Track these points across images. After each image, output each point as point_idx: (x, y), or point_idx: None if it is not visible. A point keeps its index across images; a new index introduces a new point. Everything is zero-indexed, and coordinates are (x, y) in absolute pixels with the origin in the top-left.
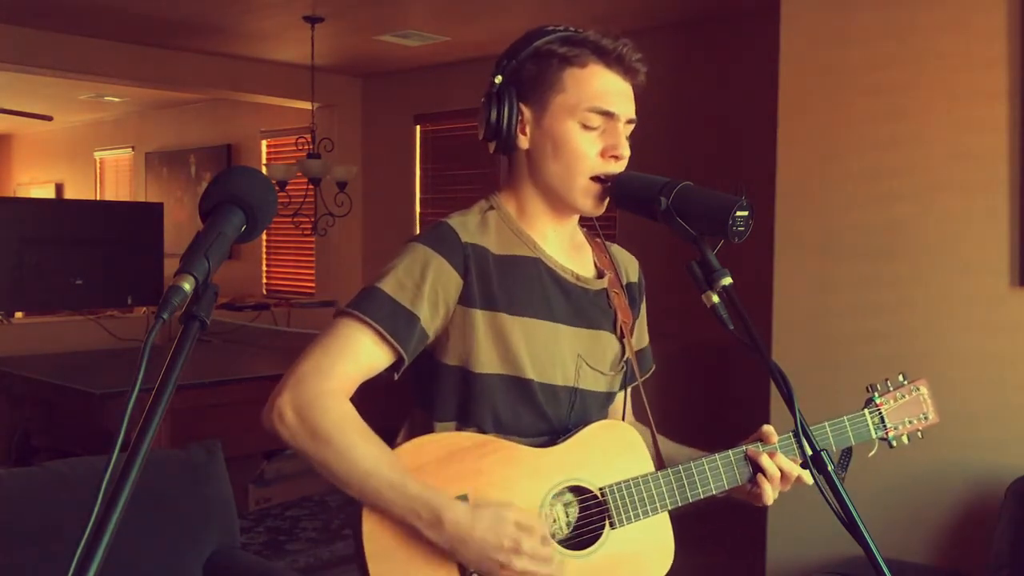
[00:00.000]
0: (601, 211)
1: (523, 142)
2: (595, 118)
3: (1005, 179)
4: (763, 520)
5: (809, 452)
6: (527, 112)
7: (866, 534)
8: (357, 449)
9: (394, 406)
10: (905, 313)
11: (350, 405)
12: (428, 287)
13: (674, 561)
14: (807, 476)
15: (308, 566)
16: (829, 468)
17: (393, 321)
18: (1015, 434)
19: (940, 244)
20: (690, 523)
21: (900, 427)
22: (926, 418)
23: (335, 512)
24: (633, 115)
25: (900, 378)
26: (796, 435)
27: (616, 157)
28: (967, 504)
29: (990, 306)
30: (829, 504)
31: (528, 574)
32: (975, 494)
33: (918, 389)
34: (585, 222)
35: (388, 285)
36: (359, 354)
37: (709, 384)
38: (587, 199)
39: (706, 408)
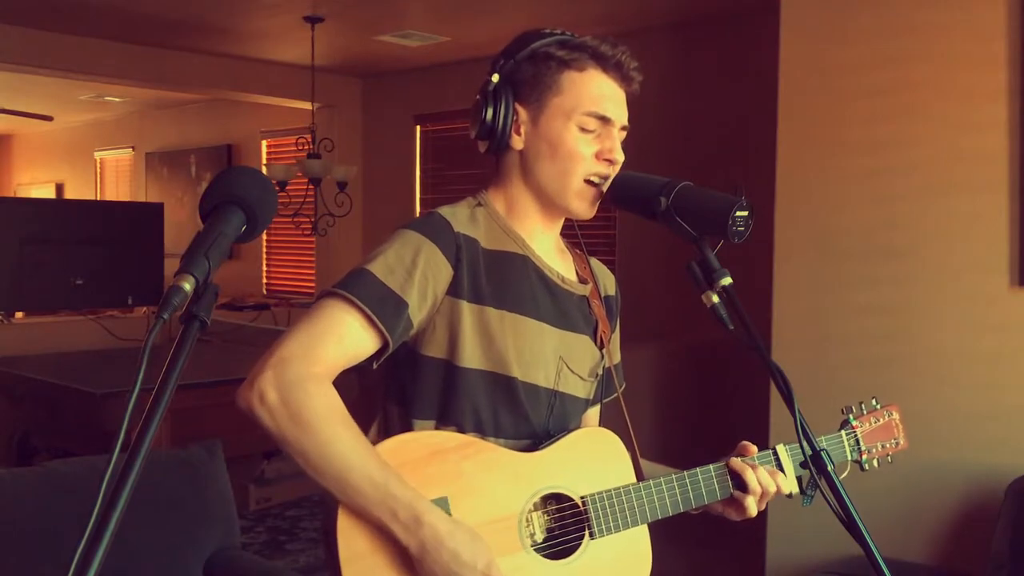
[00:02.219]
0: (591, 215)
1: (517, 142)
2: (591, 122)
3: (1005, 179)
4: (763, 519)
5: (809, 452)
6: (523, 112)
7: (866, 534)
8: (340, 441)
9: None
10: (905, 313)
11: (335, 392)
12: (419, 274)
13: (673, 558)
14: (788, 485)
15: (308, 566)
16: (829, 468)
17: (382, 305)
18: (1015, 434)
19: (940, 244)
20: (690, 523)
21: (873, 450)
22: (897, 443)
23: None
24: (627, 122)
25: (873, 402)
26: (796, 435)
27: (610, 161)
28: (967, 504)
29: (990, 306)
30: (829, 504)
31: None
32: (975, 494)
33: (891, 414)
34: (567, 232)
35: (378, 268)
36: (345, 337)
37: (709, 384)
38: (580, 202)
39: (706, 408)
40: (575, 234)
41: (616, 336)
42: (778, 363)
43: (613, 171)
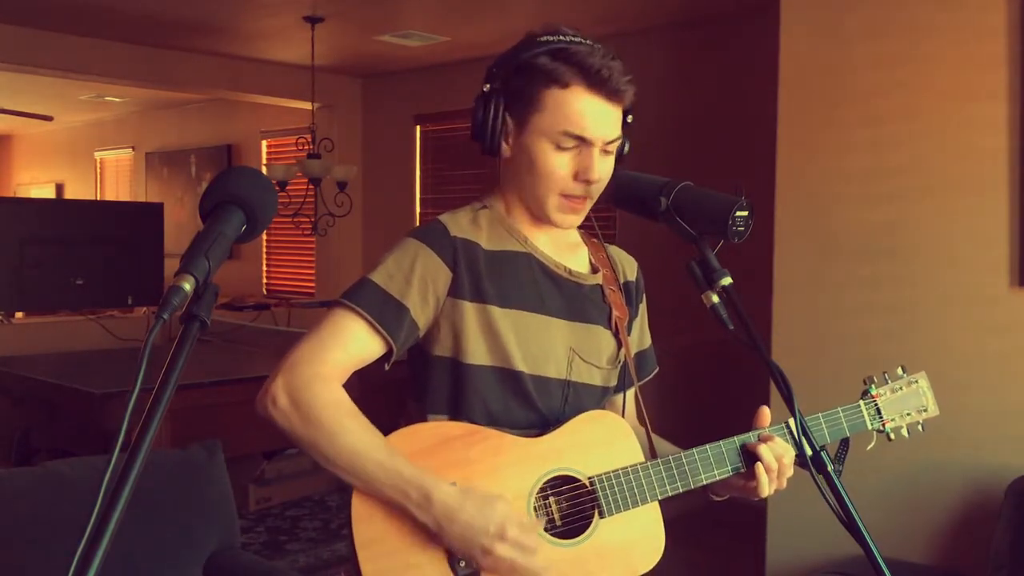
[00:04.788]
0: (576, 224)
1: (506, 150)
2: (569, 140)
3: (1005, 179)
4: (763, 518)
5: (809, 452)
6: (510, 123)
7: (865, 534)
8: (347, 431)
9: (395, 406)
10: (905, 313)
11: (342, 390)
12: (417, 278)
13: (673, 558)
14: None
15: (308, 566)
16: (829, 468)
17: (382, 310)
18: (1015, 434)
19: (940, 244)
20: (690, 521)
21: (898, 419)
22: (925, 410)
23: (335, 512)
24: (614, 136)
25: (899, 371)
26: (796, 434)
27: (587, 181)
28: (967, 504)
29: (990, 306)
30: (829, 504)
31: (510, 562)
32: (975, 494)
33: (916, 381)
34: (584, 222)
35: (378, 276)
36: (349, 342)
37: (709, 384)
38: (560, 215)
39: (705, 408)
40: (591, 224)
41: (643, 320)
42: (778, 363)
43: (591, 191)
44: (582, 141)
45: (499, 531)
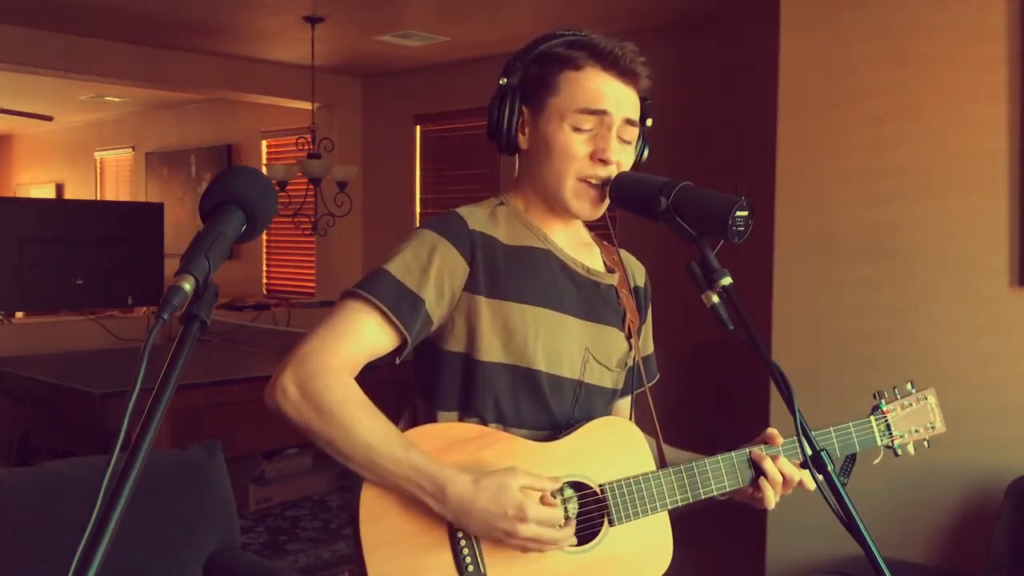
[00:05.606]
0: (596, 215)
1: (523, 142)
2: (586, 120)
3: (1005, 179)
4: (763, 519)
5: (809, 452)
6: (527, 113)
7: (866, 534)
8: (361, 423)
9: (398, 401)
10: (905, 313)
11: (353, 382)
12: (435, 271)
13: (672, 561)
14: (809, 481)
15: (308, 566)
16: (829, 468)
17: (398, 303)
18: (1015, 434)
19: (940, 244)
20: (691, 522)
21: (906, 436)
22: (933, 427)
23: (335, 512)
24: (631, 116)
25: (908, 386)
26: (796, 435)
27: (604, 161)
28: (967, 504)
29: (990, 306)
30: (829, 504)
31: (536, 539)
32: (975, 494)
33: (926, 398)
34: (594, 223)
35: (395, 267)
36: (363, 334)
37: (709, 385)
38: (578, 201)
39: (706, 409)
40: (604, 225)
41: (648, 327)
42: (778, 363)
43: (609, 171)
44: (600, 118)
45: (518, 513)
